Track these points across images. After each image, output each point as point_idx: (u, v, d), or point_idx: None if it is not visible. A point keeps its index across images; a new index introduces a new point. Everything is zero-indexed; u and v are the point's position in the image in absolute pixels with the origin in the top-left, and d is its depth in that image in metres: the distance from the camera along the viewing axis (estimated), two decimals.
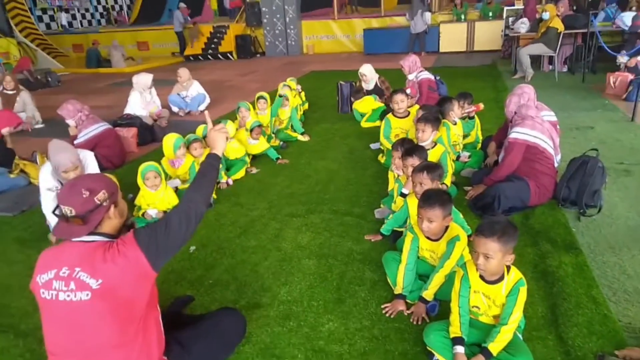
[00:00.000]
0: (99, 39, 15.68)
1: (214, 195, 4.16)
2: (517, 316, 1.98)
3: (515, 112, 3.72)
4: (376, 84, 6.40)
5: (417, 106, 5.31)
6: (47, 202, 3.36)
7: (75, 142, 5.04)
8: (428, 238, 2.55)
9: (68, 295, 1.67)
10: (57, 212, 1.80)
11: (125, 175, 4.87)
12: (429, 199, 2.40)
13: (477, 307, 2.12)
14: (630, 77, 6.50)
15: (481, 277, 2.07)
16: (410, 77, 5.92)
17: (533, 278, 2.73)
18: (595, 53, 8.32)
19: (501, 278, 2.04)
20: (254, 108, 5.47)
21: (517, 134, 3.54)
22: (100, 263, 1.68)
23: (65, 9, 19.45)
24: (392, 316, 2.48)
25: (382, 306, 2.56)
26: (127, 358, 1.75)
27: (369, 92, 6.37)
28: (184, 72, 7.56)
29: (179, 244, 1.85)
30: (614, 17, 8.60)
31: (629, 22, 7.65)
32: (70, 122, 4.97)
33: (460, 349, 2.03)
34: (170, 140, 4.07)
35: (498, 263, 1.95)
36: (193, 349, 2.00)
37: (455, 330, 2.07)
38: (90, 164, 3.54)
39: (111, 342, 1.71)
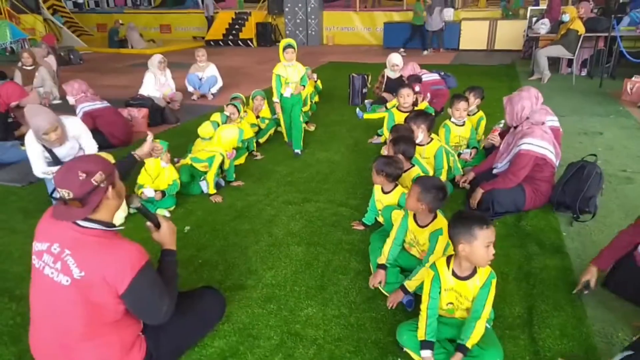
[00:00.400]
0: (123, 19, 15.90)
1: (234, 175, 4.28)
2: (488, 310, 2.01)
3: (528, 117, 3.50)
4: (401, 75, 6.40)
5: (425, 103, 5.33)
6: (36, 164, 3.60)
7: None
8: (415, 221, 2.60)
9: (52, 273, 1.72)
10: (54, 194, 1.81)
11: None
12: (419, 179, 2.61)
13: (450, 303, 2.16)
14: None
15: (454, 274, 2.10)
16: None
17: (516, 278, 2.75)
18: (616, 58, 8.15)
19: (474, 272, 2.07)
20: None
21: (529, 145, 3.37)
22: (89, 256, 1.71)
23: None
24: (373, 287, 2.62)
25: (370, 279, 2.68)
26: (96, 348, 1.80)
27: (392, 81, 6.36)
28: (202, 52, 7.72)
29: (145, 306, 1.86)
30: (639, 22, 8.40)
31: None
32: (70, 99, 5.10)
33: (427, 353, 2.05)
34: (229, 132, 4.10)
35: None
36: (168, 327, 2.02)
37: (421, 333, 2.09)
38: (74, 128, 3.70)
39: (79, 331, 1.76)
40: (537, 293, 2.60)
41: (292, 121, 4.96)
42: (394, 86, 6.22)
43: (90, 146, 3.82)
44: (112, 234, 1.82)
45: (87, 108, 4.96)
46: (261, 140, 5.31)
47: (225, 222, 3.53)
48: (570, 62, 8.45)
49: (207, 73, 7.72)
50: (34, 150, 3.58)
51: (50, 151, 3.58)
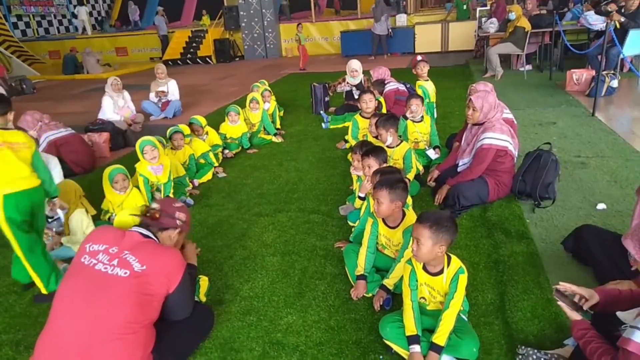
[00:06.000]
0: (76, 45, 15.57)
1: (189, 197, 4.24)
2: (456, 301, 2.07)
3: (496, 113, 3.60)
4: (361, 81, 6.53)
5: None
6: None
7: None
8: (386, 224, 2.65)
9: (105, 268, 1.94)
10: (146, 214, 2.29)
11: (96, 180, 4.87)
12: (378, 182, 2.56)
13: (423, 297, 2.22)
14: (593, 73, 6.72)
15: (425, 269, 2.16)
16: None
17: (486, 267, 2.85)
18: (561, 51, 8.56)
19: (442, 269, 2.14)
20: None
21: (491, 139, 3.50)
22: (149, 254, 2.04)
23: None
24: (357, 298, 2.63)
25: (351, 292, 2.68)
26: (118, 349, 1.88)
27: (354, 86, 6.54)
28: (162, 69, 7.70)
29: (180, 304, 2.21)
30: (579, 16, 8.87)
31: (592, 21, 7.88)
32: (32, 133, 4.98)
33: (416, 348, 2.10)
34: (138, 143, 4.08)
35: (428, 250, 2.03)
36: (171, 342, 2.17)
37: (410, 328, 2.13)
38: (54, 168, 3.57)
39: (121, 322, 1.88)
40: (507, 279, 2.69)
41: None
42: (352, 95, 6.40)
43: (56, 174, 3.72)
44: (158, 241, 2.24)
45: (52, 137, 4.85)
46: (229, 155, 5.35)
47: (197, 240, 3.47)
48: (520, 58, 8.81)
49: (170, 88, 7.70)
50: None
51: None
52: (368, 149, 3.30)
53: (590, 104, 5.98)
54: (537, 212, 3.44)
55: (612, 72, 6.58)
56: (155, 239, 2.20)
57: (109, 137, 5.87)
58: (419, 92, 5.56)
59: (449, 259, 2.15)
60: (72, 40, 17.06)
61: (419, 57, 5.91)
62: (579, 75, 6.90)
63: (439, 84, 7.78)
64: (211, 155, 4.90)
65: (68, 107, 9.19)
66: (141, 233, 2.16)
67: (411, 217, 2.62)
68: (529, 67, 8.67)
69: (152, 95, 7.70)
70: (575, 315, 1.88)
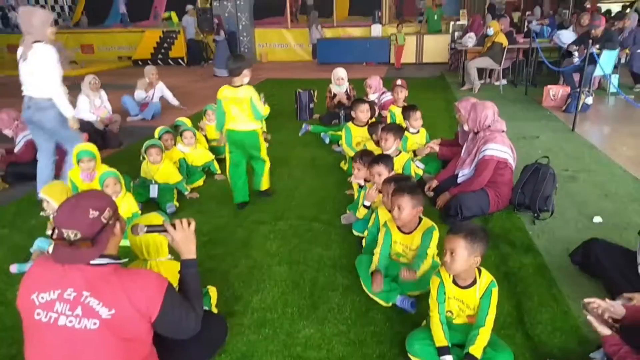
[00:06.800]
0: None
1: (175, 203, 4.05)
2: (491, 317, 2.06)
3: (489, 126, 3.69)
4: (347, 89, 6.52)
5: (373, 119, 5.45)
6: None
7: (15, 150, 4.76)
8: (401, 231, 2.62)
9: (70, 321, 1.55)
10: (54, 236, 1.62)
11: None
12: (399, 187, 2.54)
13: (450, 311, 2.19)
14: (569, 90, 7.00)
15: (455, 282, 2.14)
16: (372, 97, 6.07)
17: (497, 279, 2.78)
18: (535, 67, 8.89)
19: (474, 282, 2.12)
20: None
21: (493, 150, 3.56)
22: (113, 291, 1.59)
23: None
24: (376, 291, 2.56)
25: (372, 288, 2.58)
26: None
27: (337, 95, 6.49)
28: (154, 70, 7.47)
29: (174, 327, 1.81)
30: (549, 35, 9.29)
31: (565, 40, 8.23)
32: (7, 132, 4.70)
33: (449, 358, 2.07)
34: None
35: (463, 262, 2.02)
36: (182, 356, 2.00)
37: (440, 339, 2.10)
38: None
39: None
40: (521, 291, 2.71)
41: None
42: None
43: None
44: (121, 267, 1.71)
45: (29, 136, 4.54)
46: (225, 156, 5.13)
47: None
48: (495, 72, 9.07)
49: (157, 92, 7.49)
50: None
51: None
52: (377, 157, 3.28)
53: (567, 119, 6.22)
54: (538, 225, 3.51)
55: (587, 89, 6.87)
56: (110, 260, 1.66)
57: (87, 138, 5.56)
58: (389, 116, 5.29)
59: (479, 272, 2.14)
60: None
61: (398, 82, 5.56)
62: (555, 92, 7.17)
63: (419, 95, 7.94)
64: (215, 164, 4.77)
65: None
66: (91, 264, 1.63)
67: (427, 221, 2.62)
68: (504, 81, 8.94)
69: (139, 93, 7.40)
70: (605, 331, 1.90)
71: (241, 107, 3.68)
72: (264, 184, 4.15)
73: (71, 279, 1.59)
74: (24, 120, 4.17)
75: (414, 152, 4.57)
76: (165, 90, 7.58)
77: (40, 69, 3.72)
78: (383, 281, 2.59)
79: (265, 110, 3.82)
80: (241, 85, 3.70)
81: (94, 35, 16.24)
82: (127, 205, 3.54)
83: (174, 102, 7.54)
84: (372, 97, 6.13)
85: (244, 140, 3.83)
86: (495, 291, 2.08)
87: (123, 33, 15.66)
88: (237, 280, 2.95)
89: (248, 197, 4.04)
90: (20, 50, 3.80)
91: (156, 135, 4.59)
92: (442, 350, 2.08)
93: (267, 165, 4.08)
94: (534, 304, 2.59)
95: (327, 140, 5.77)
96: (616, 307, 1.98)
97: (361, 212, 3.40)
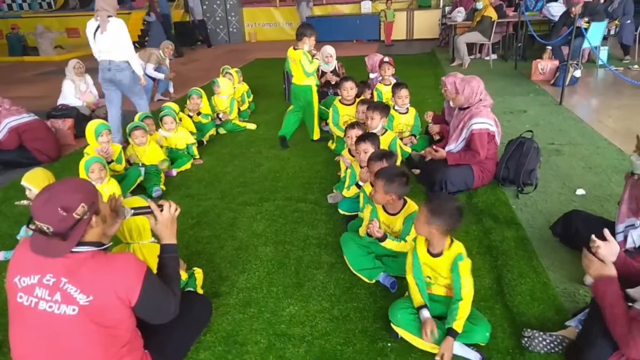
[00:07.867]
0: (22, 24, 14.56)
1: (162, 187, 4.06)
2: (467, 290, 2.10)
3: (481, 100, 3.66)
4: (335, 67, 6.46)
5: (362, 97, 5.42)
6: None
7: None
8: (386, 211, 2.65)
9: (50, 306, 1.57)
10: (31, 226, 1.62)
11: (62, 168, 4.65)
12: (380, 172, 2.58)
13: (428, 277, 2.24)
14: (557, 63, 6.97)
15: (428, 251, 2.19)
16: (372, 75, 6.01)
17: (479, 252, 2.90)
18: (525, 41, 8.82)
19: (442, 252, 2.16)
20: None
21: (481, 124, 3.54)
22: (91, 277, 1.59)
23: None
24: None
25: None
26: None
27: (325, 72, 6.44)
28: (169, 44, 7.50)
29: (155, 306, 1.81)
30: (536, 8, 9.18)
31: (554, 12, 8.16)
32: None
33: (426, 313, 2.14)
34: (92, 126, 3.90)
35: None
36: (169, 337, 2.02)
37: (417, 299, 2.18)
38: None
39: None
40: (502, 264, 2.76)
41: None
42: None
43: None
44: (102, 252, 1.70)
45: (13, 123, 4.52)
46: (205, 139, 5.18)
47: (183, 230, 3.37)
48: (485, 47, 9.01)
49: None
50: None
51: None
52: (363, 135, 3.29)
53: (555, 93, 6.22)
54: (521, 198, 3.54)
55: (575, 62, 6.85)
56: (88, 248, 1.65)
57: (73, 124, 5.55)
58: (375, 94, 5.24)
59: (452, 242, 2.16)
60: (16, 19, 15.95)
61: (386, 58, 5.37)
62: (544, 65, 7.14)
63: (409, 72, 7.90)
64: (194, 148, 4.76)
65: (21, 91, 8.62)
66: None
67: (412, 205, 2.63)
68: (494, 56, 8.88)
69: (150, 67, 7.17)
70: (606, 271, 1.85)
71: (295, 66, 4.68)
72: (315, 134, 5.06)
73: (50, 265, 1.60)
74: (103, 80, 4.88)
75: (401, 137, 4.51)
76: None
77: (118, 38, 4.57)
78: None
79: (312, 66, 4.60)
80: (299, 49, 4.60)
81: (80, 19, 15.91)
82: (110, 191, 3.54)
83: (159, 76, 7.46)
84: (372, 76, 6.05)
85: (298, 93, 4.82)
86: (461, 264, 2.09)
87: None
88: (224, 261, 2.98)
89: (290, 135, 5.01)
90: (94, 24, 4.59)
91: (136, 119, 4.56)
92: (420, 308, 2.16)
93: (316, 119, 5.00)
94: (514, 275, 2.64)
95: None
96: (612, 245, 1.97)
97: (347, 192, 3.42)
